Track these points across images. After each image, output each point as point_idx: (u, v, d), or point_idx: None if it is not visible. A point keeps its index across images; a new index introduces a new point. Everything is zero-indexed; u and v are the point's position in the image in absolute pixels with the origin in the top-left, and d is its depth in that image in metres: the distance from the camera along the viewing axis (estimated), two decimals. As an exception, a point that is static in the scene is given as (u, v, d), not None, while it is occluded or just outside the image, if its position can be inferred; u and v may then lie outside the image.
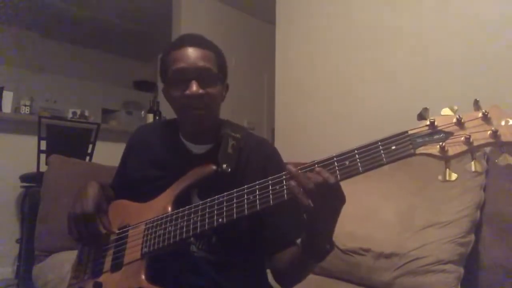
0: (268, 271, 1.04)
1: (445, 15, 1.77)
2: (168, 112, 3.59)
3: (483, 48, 1.62)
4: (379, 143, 0.64)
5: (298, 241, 0.83)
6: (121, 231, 0.95)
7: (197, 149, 1.00)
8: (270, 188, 0.72)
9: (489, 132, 0.56)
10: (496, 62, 1.57)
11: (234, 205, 0.76)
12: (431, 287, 1.17)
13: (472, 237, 1.22)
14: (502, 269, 1.17)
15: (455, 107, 0.61)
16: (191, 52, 0.91)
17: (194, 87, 0.88)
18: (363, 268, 1.32)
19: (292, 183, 0.68)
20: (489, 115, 0.57)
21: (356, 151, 0.65)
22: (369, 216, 1.39)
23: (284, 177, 0.72)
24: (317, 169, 0.67)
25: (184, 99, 0.89)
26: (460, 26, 1.71)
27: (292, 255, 0.86)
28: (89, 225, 0.93)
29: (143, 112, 4.71)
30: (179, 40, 0.96)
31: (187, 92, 0.88)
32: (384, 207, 1.39)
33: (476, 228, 1.24)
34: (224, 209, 0.77)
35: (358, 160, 0.65)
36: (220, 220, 0.77)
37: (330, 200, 0.68)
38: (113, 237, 0.95)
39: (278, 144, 2.41)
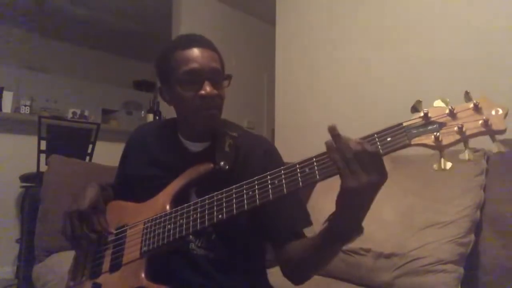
0: (270, 271, 1.04)
1: (445, 15, 1.77)
2: (168, 112, 3.59)
3: (478, 50, 1.62)
4: (375, 135, 0.65)
5: (307, 231, 0.82)
6: (119, 230, 0.95)
7: (195, 147, 1.00)
8: (269, 182, 0.72)
9: (480, 122, 0.58)
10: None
11: (234, 200, 0.76)
12: (431, 287, 1.17)
13: (472, 237, 1.21)
14: (502, 269, 1.17)
15: (447, 99, 0.62)
16: (202, 53, 0.92)
17: (208, 87, 0.89)
18: (363, 268, 1.32)
19: (335, 155, 0.64)
20: (479, 105, 0.59)
21: None
22: (369, 216, 1.38)
23: (283, 171, 0.72)
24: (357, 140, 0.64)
25: (198, 100, 0.90)
26: (460, 27, 1.71)
27: (308, 246, 0.83)
28: (83, 223, 0.93)
29: (143, 112, 4.72)
30: (185, 40, 0.96)
31: (202, 92, 0.89)
32: (384, 207, 1.39)
33: (476, 228, 1.24)
34: (224, 205, 0.77)
35: None
36: (220, 216, 0.77)
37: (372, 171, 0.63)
38: (111, 237, 0.95)
39: (278, 144, 2.40)
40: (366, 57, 2.08)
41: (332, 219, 0.72)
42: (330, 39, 2.29)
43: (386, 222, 1.35)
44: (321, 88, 2.31)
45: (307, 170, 0.69)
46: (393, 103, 1.92)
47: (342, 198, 0.67)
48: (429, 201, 1.31)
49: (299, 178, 0.69)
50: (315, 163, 0.69)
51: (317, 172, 0.68)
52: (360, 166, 0.62)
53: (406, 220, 1.31)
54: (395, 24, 1.97)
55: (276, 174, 0.72)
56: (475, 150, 1.13)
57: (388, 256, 1.27)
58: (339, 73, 2.22)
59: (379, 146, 0.63)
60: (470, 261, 1.21)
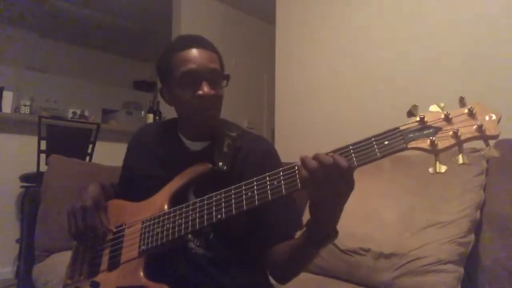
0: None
1: (443, 18, 1.77)
2: (168, 112, 3.59)
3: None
4: (373, 139, 0.66)
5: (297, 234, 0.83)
6: (117, 229, 0.96)
7: (194, 146, 1.01)
8: (268, 183, 0.73)
9: (474, 127, 0.60)
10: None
11: (233, 201, 0.77)
12: (431, 287, 1.17)
13: (472, 237, 1.21)
14: (502, 269, 1.17)
15: (442, 104, 0.64)
16: (200, 54, 0.92)
17: (206, 88, 0.90)
18: (363, 268, 1.32)
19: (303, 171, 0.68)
20: (474, 111, 0.61)
21: (351, 147, 0.67)
22: (369, 216, 1.39)
23: (281, 172, 0.72)
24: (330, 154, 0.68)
25: (196, 100, 0.91)
26: (457, 31, 1.71)
27: (291, 247, 0.86)
28: (87, 220, 0.94)
29: (143, 112, 4.72)
30: (184, 41, 0.97)
31: (200, 93, 0.90)
32: (384, 207, 1.39)
33: (476, 228, 1.24)
34: (223, 205, 0.78)
35: (353, 155, 0.67)
36: (219, 216, 0.78)
37: (336, 183, 0.67)
38: (109, 236, 0.96)
39: (278, 144, 2.41)
40: (366, 57, 2.08)
41: (308, 225, 0.76)
42: (330, 39, 2.28)
43: (386, 222, 1.34)
44: (321, 88, 2.31)
45: None
46: (392, 103, 1.92)
47: (311, 205, 0.72)
48: (429, 201, 1.31)
49: (298, 180, 0.70)
50: None
51: None
52: (326, 176, 0.65)
53: (406, 220, 1.31)
54: (395, 25, 1.96)
55: (275, 175, 0.73)
56: (474, 151, 1.13)
57: (388, 256, 1.26)
58: (338, 73, 2.22)
59: (376, 149, 0.65)
60: (470, 261, 1.21)
